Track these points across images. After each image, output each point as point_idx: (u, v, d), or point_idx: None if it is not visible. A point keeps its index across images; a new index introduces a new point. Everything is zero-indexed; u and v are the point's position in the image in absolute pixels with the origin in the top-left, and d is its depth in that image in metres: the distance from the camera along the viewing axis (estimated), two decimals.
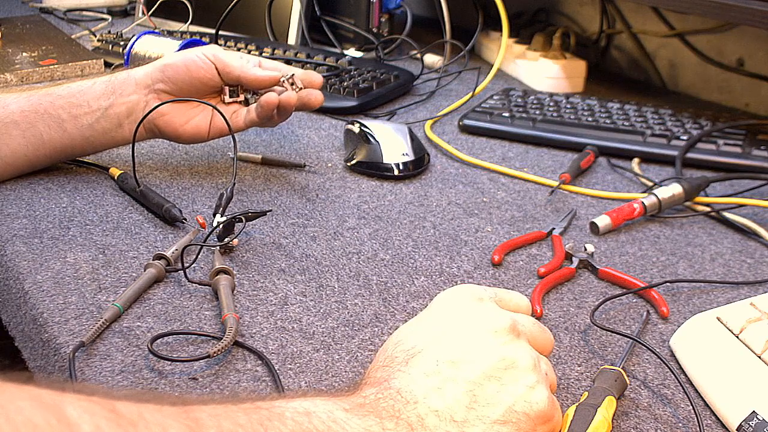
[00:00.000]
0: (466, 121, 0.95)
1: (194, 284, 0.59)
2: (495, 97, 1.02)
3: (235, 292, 0.59)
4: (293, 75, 0.77)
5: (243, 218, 0.64)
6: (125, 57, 0.95)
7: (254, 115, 0.75)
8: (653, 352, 0.53)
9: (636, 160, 0.87)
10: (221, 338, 0.51)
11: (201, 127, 0.75)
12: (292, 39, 1.22)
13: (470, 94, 1.02)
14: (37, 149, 0.72)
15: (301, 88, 0.77)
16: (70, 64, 1.08)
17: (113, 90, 0.73)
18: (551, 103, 0.99)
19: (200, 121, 0.75)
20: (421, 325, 0.45)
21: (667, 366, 0.51)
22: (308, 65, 1.06)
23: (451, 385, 0.41)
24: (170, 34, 1.17)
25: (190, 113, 0.75)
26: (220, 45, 1.07)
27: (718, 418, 0.48)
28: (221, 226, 0.64)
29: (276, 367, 0.51)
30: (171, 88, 0.73)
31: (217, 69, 0.74)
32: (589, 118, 0.93)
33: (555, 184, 0.79)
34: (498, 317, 0.44)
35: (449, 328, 0.44)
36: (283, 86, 0.76)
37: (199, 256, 0.62)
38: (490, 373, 0.42)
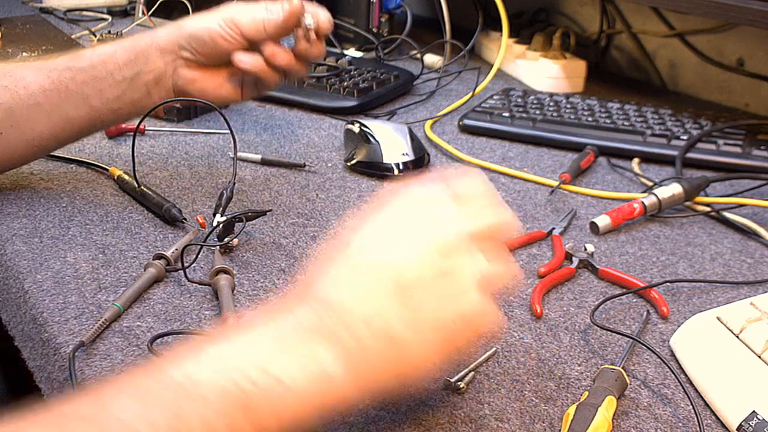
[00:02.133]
0: (466, 121, 0.95)
1: (194, 284, 0.59)
2: (495, 97, 1.02)
3: (235, 292, 0.59)
4: (310, 27, 0.72)
5: (243, 218, 0.64)
6: None
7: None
8: (653, 352, 0.53)
9: (636, 160, 0.87)
10: None
11: (234, 89, 0.74)
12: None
13: (470, 94, 1.02)
14: (64, 129, 0.70)
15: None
16: None
17: (136, 58, 0.70)
18: (551, 103, 0.99)
19: (232, 82, 0.74)
20: (366, 225, 0.44)
21: (667, 366, 0.51)
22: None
23: (383, 293, 0.41)
24: None
25: (220, 76, 0.73)
26: None
27: (718, 418, 0.48)
28: (221, 225, 0.64)
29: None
30: (196, 57, 0.71)
31: (242, 35, 0.70)
32: (589, 118, 0.93)
33: (555, 183, 0.79)
34: (450, 225, 0.43)
35: (397, 233, 0.43)
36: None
37: (199, 256, 0.62)
38: (427, 281, 0.41)
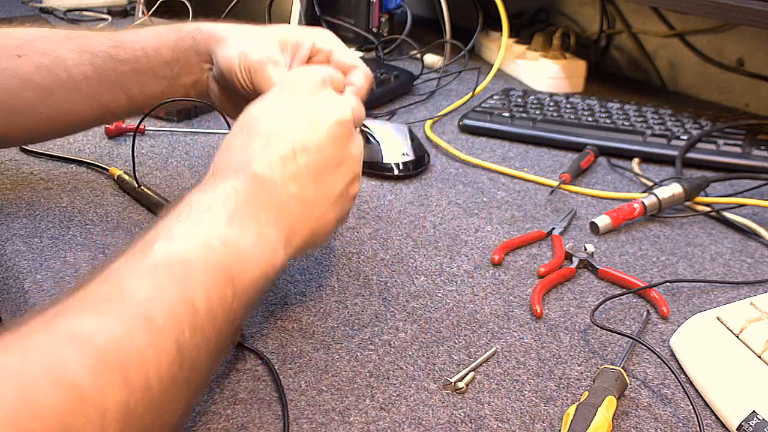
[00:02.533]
0: (466, 121, 0.95)
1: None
2: (495, 97, 1.02)
3: None
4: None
5: None
6: None
7: None
8: (653, 352, 0.53)
9: (636, 160, 0.87)
10: None
11: None
12: None
13: (470, 94, 1.02)
14: (103, 113, 0.68)
15: None
16: None
17: (178, 59, 0.67)
18: (551, 103, 0.99)
19: None
20: (275, 108, 0.51)
21: (667, 366, 0.51)
22: None
23: (305, 171, 0.49)
24: None
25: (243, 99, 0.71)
26: None
27: (718, 418, 0.48)
28: None
29: (276, 367, 0.51)
30: (220, 80, 0.68)
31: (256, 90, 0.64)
32: (589, 118, 0.93)
33: (555, 183, 0.79)
34: (340, 106, 0.52)
35: (301, 114, 0.50)
36: None
37: None
38: (333, 162, 0.50)
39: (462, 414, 0.48)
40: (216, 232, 0.44)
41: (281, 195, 0.48)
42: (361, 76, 0.63)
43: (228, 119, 0.73)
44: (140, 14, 1.34)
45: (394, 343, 0.54)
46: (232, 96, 0.67)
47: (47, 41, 0.66)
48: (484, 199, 0.77)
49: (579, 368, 0.52)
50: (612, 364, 0.51)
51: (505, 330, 0.56)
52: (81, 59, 0.66)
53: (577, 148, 0.89)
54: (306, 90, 0.53)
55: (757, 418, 0.45)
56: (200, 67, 0.68)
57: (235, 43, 0.64)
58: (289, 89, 0.53)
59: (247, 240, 0.45)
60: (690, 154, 0.86)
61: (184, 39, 0.68)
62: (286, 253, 0.48)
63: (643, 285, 0.61)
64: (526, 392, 0.50)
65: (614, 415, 0.47)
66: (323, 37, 0.64)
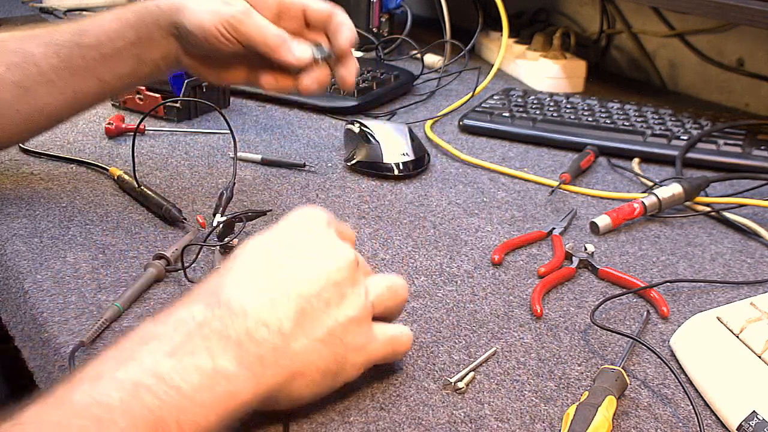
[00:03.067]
0: (466, 121, 0.95)
1: (194, 284, 0.59)
2: (495, 97, 1.02)
3: None
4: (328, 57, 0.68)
5: (243, 218, 0.64)
6: None
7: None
8: (653, 352, 0.53)
9: (636, 160, 0.87)
10: None
11: (240, 73, 0.71)
12: None
13: (470, 94, 1.02)
14: (78, 101, 0.69)
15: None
16: None
17: (141, 38, 0.68)
18: (551, 103, 0.99)
19: (238, 68, 0.71)
20: (271, 245, 0.47)
21: (667, 366, 0.51)
22: None
23: (285, 305, 0.43)
24: None
25: (223, 64, 0.70)
26: None
27: (718, 418, 0.48)
28: (221, 226, 0.64)
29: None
30: (194, 51, 0.68)
31: (240, 41, 0.65)
32: (589, 118, 0.93)
33: (555, 183, 0.79)
34: (344, 248, 0.47)
35: (299, 255, 0.46)
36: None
37: (199, 256, 0.62)
38: (322, 294, 0.44)
39: (462, 414, 0.47)
40: (151, 367, 0.38)
41: (249, 324, 0.41)
42: (345, 28, 0.66)
43: (228, 120, 0.73)
44: None
45: None
46: (208, 60, 0.69)
47: (14, 40, 0.67)
48: (484, 199, 0.77)
49: (579, 368, 0.52)
50: (612, 364, 0.51)
51: (505, 330, 0.56)
52: (48, 52, 0.67)
53: (577, 148, 0.89)
54: (310, 229, 0.48)
55: (757, 418, 0.45)
56: (166, 41, 0.68)
57: (198, 6, 0.65)
58: (292, 227, 0.48)
59: (192, 375, 0.38)
60: (690, 154, 0.86)
61: (144, 16, 0.68)
62: (255, 392, 0.41)
63: (643, 285, 0.61)
64: (526, 392, 0.50)
65: (614, 415, 0.47)
66: None
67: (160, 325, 0.41)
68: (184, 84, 0.91)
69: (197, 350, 0.39)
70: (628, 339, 0.55)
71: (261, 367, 0.41)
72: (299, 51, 0.66)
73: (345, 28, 0.67)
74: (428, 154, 0.85)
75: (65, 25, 0.69)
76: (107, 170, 0.76)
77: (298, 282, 0.44)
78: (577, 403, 0.46)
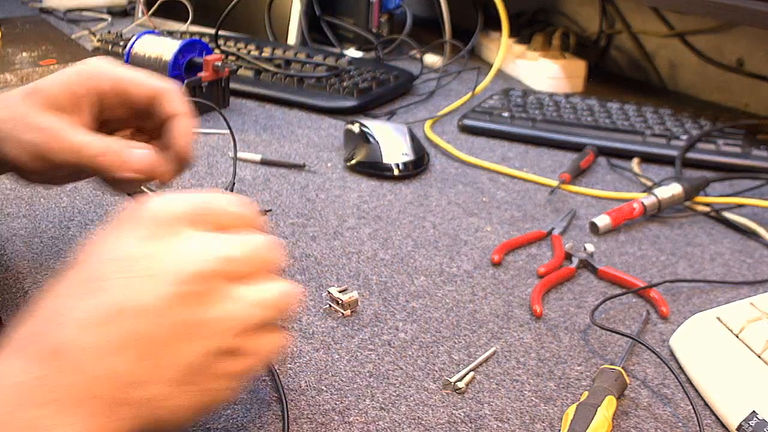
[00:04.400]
0: (466, 121, 0.95)
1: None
2: (495, 97, 1.02)
3: None
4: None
5: None
6: (125, 57, 0.95)
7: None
8: (653, 352, 0.53)
9: (636, 160, 0.87)
10: None
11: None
12: (292, 39, 1.22)
13: (470, 94, 1.02)
14: None
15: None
16: (69, 64, 1.08)
17: None
18: (551, 103, 0.99)
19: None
20: (108, 251, 0.38)
21: (667, 366, 0.51)
22: (308, 65, 1.06)
23: (130, 339, 0.35)
24: (170, 34, 1.17)
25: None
26: (220, 45, 1.07)
27: (718, 418, 0.48)
28: None
29: (276, 367, 0.51)
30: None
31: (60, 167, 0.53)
32: (589, 118, 0.93)
33: (555, 183, 0.79)
34: (201, 254, 0.37)
35: (138, 262, 0.36)
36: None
37: None
38: (164, 328, 0.35)
39: (462, 414, 0.48)
40: None
41: (84, 374, 0.34)
42: (181, 122, 0.53)
43: (228, 120, 0.73)
44: (140, 14, 1.34)
45: (394, 343, 0.54)
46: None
47: None
48: (484, 199, 0.77)
49: (579, 368, 0.53)
50: (612, 364, 0.51)
51: (505, 330, 0.56)
52: None
53: (577, 148, 0.89)
54: (157, 226, 0.38)
55: (757, 418, 0.45)
56: None
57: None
58: (135, 224, 0.38)
59: None
60: (690, 154, 0.86)
61: None
62: None
63: (642, 285, 0.61)
64: (526, 392, 0.50)
65: (614, 414, 0.47)
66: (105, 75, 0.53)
67: None
68: (184, 84, 0.91)
69: (30, 422, 0.33)
70: (628, 339, 0.55)
71: (111, 416, 0.34)
72: (138, 160, 0.53)
73: (181, 122, 0.55)
74: (428, 154, 0.85)
75: None
76: None
77: (135, 317, 0.35)
78: (577, 403, 0.46)
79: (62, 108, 0.52)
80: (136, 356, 0.35)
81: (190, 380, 0.36)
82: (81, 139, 0.51)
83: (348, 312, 0.56)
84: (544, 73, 1.13)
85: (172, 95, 0.55)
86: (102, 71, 0.53)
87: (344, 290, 0.57)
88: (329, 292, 0.57)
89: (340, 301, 0.57)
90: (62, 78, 0.53)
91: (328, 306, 0.57)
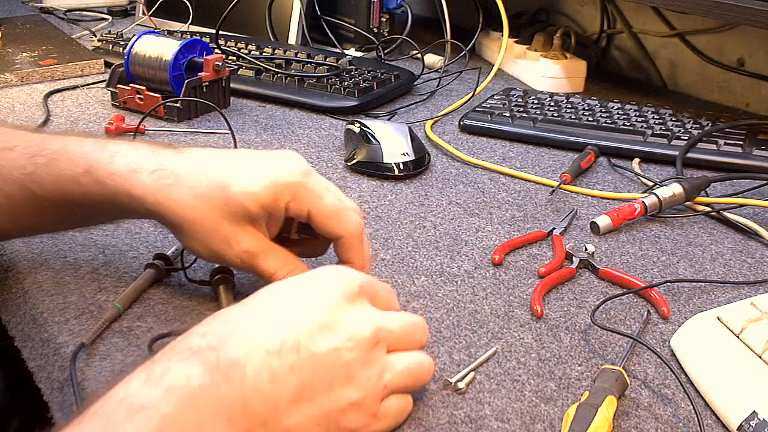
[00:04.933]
0: (467, 121, 0.95)
1: (194, 284, 0.59)
2: (495, 97, 1.02)
3: (235, 292, 0.59)
4: None
5: None
6: (125, 57, 0.95)
7: None
8: (654, 352, 0.53)
9: (636, 160, 0.87)
10: None
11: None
12: (292, 39, 1.22)
13: (471, 94, 1.02)
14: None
15: None
16: (70, 64, 1.08)
17: (105, 213, 0.57)
18: (552, 103, 0.99)
19: None
20: (288, 298, 0.44)
21: (668, 366, 0.51)
22: (308, 65, 1.06)
23: (287, 372, 0.40)
24: (170, 34, 1.17)
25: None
26: (220, 45, 1.07)
27: (718, 418, 0.48)
28: None
29: None
30: None
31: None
32: (590, 118, 0.93)
33: (555, 183, 0.79)
34: (362, 324, 0.43)
35: (314, 318, 0.42)
36: None
37: None
38: (327, 374, 0.41)
39: (462, 414, 0.47)
40: None
41: (246, 393, 0.39)
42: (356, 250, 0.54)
43: (228, 120, 0.73)
44: (140, 14, 1.34)
45: None
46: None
47: None
48: (485, 199, 0.77)
49: (579, 368, 0.52)
50: (612, 364, 0.51)
51: (505, 330, 0.56)
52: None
53: (578, 148, 0.89)
54: (337, 295, 0.44)
55: (757, 418, 0.45)
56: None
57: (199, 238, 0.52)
58: (319, 287, 0.44)
59: None
60: (690, 154, 0.86)
61: (115, 198, 0.53)
62: None
63: (643, 285, 0.61)
64: (526, 392, 0.50)
65: (615, 415, 0.47)
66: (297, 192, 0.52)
67: (150, 387, 0.38)
68: (185, 84, 0.91)
69: (187, 427, 0.37)
70: (629, 339, 0.55)
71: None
72: None
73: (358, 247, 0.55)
74: (428, 154, 0.85)
75: (22, 158, 0.55)
76: None
77: (306, 356, 0.40)
78: (578, 403, 0.46)
79: (254, 222, 0.52)
80: (296, 388, 0.40)
81: (323, 423, 0.41)
82: (258, 252, 0.52)
83: None
84: (544, 73, 1.13)
85: (354, 244, 0.54)
86: (302, 195, 0.52)
87: None
88: None
89: None
90: (263, 192, 0.51)
91: None
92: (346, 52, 1.23)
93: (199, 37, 1.02)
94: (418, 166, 0.82)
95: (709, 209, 0.76)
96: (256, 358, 0.39)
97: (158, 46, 0.93)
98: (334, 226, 0.53)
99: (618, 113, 0.95)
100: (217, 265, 0.59)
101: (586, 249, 0.67)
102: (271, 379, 0.39)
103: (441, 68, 1.15)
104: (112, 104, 0.96)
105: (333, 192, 0.54)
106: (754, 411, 0.46)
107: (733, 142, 0.87)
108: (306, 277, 0.46)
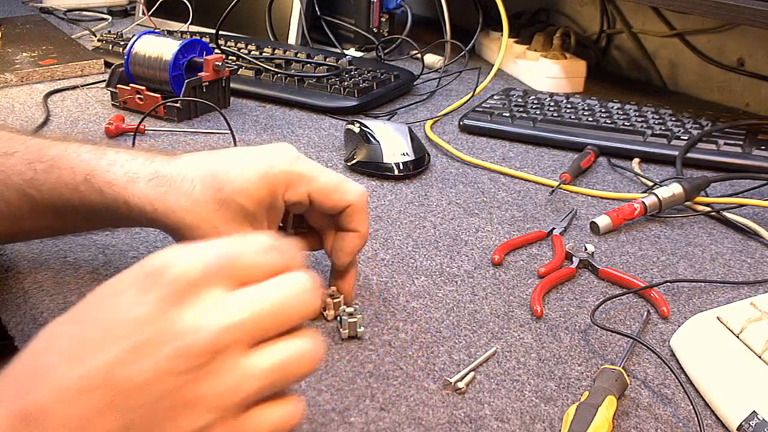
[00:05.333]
0: (467, 121, 0.95)
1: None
2: (495, 97, 1.02)
3: None
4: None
5: None
6: (125, 57, 0.95)
7: None
8: (654, 352, 0.53)
9: (636, 160, 0.87)
10: None
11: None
12: (292, 39, 1.22)
13: (470, 94, 1.02)
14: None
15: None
16: (70, 64, 1.08)
17: (105, 221, 0.56)
18: (551, 103, 0.99)
19: None
20: (112, 310, 0.34)
21: (668, 366, 0.51)
22: (308, 65, 1.06)
23: (98, 416, 0.32)
24: (170, 34, 1.17)
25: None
26: (220, 45, 1.07)
27: (718, 418, 0.48)
28: None
29: None
30: None
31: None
32: (590, 118, 0.93)
33: (555, 183, 0.79)
34: (196, 331, 0.33)
35: (137, 331, 0.33)
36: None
37: None
38: (153, 406, 0.32)
39: (462, 414, 0.47)
40: None
41: None
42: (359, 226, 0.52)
43: (228, 120, 0.73)
44: (140, 14, 1.34)
45: (394, 343, 0.54)
46: None
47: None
48: (484, 199, 0.77)
49: (579, 368, 0.52)
50: (612, 364, 0.51)
51: (505, 330, 0.56)
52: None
53: (578, 148, 0.89)
54: (170, 287, 0.33)
55: (757, 418, 0.45)
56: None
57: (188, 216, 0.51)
58: (146, 283, 0.34)
59: None
60: (690, 154, 0.86)
61: (110, 207, 0.53)
62: None
63: (643, 285, 0.61)
64: (526, 392, 0.50)
65: (614, 415, 0.47)
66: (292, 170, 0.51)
67: None
68: (184, 84, 0.91)
69: None
70: (629, 339, 0.55)
71: None
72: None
73: (352, 248, 0.54)
74: (428, 154, 0.85)
75: (22, 164, 0.54)
76: None
77: (125, 389, 0.32)
78: (578, 403, 0.46)
79: (253, 219, 0.51)
80: (121, 427, 0.32)
81: None
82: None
83: (331, 314, 0.56)
84: (544, 73, 1.13)
85: (360, 210, 0.53)
86: (297, 180, 0.51)
87: (332, 294, 0.57)
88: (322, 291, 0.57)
89: (323, 301, 0.56)
90: (256, 185, 0.50)
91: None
92: (345, 52, 1.23)
93: (199, 37, 1.02)
94: (417, 166, 0.82)
95: (708, 209, 0.76)
96: (62, 407, 0.32)
97: (158, 46, 0.93)
98: (338, 198, 0.52)
99: (618, 113, 0.95)
100: None
101: (585, 249, 0.67)
102: (86, 425, 0.32)
103: (441, 68, 1.15)
104: (112, 104, 0.96)
105: (327, 170, 0.53)
106: (754, 411, 0.46)
107: (732, 142, 0.87)
108: (123, 278, 0.35)
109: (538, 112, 0.95)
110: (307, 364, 0.36)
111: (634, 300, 0.61)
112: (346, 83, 1.00)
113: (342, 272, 0.57)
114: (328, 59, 1.08)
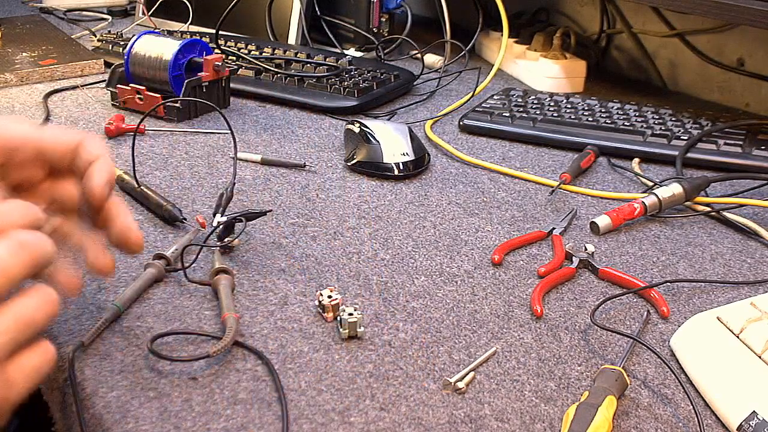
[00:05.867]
0: (467, 121, 0.95)
1: (194, 284, 0.59)
2: (495, 97, 1.02)
3: (235, 292, 0.59)
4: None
5: (243, 218, 0.64)
6: (125, 57, 0.95)
7: None
8: (653, 352, 0.53)
9: (636, 160, 0.87)
10: (221, 338, 0.51)
11: None
12: (292, 39, 1.22)
13: (470, 94, 1.02)
14: None
15: None
16: (70, 64, 1.08)
17: None
18: (551, 103, 0.99)
19: None
20: None
21: (668, 366, 0.51)
22: (308, 65, 1.06)
23: None
24: (170, 34, 1.17)
25: None
26: (220, 45, 1.07)
27: (718, 418, 0.48)
28: (221, 226, 0.64)
29: (276, 367, 0.51)
30: None
31: None
32: (590, 118, 0.93)
33: (555, 183, 0.79)
34: None
35: None
36: None
37: (199, 256, 0.62)
38: None
39: (462, 414, 0.47)
40: None
41: None
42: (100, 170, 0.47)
43: (228, 120, 0.73)
44: (140, 14, 1.35)
45: (394, 343, 0.54)
46: None
47: None
48: (484, 199, 0.77)
49: (579, 368, 0.52)
50: (612, 364, 0.51)
51: (505, 330, 0.56)
52: None
53: (578, 148, 0.89)
54: None
55: (757, 418, 0.45)
56: None
57: None
58: None
59: None
60: (690, 154, 0.86)
61: None
62: None
63: (643, 285, 0.61)
64: (526, 392, 0.50)
65: (614, 415, 0.47)
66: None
67: None
68: (184, 84, 0.91)
69: None
70: (629, 339, 0.55)
71: None
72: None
73: (100, 170, 0.49)
74: (428, 154, 0.85)
75: None
76: None
77: None
78: (578, 403, 0.46)
79: None
80: None
81: None
82: None
83: (330, 316, 0.56)
84: (544, 73, 1.13)
85: (90, 142, 0.49)
86: (8, 129, 0.47)
87: (331, 295, 0.57)
88: (320, 293, 0.57)
89: (321, 303, 0.56)
90: None
91: (316, 309, 0.57)
92: (345, 52, 1.23)
93: (198, 37, 1.02)
94: (417, 166, 0.82)
95: (708, 209, 0.76)
96: None
97: (158, 46, 0.93)
98: (61, 139, 0.48)
99: (618, 113, 0.95)
100: (217, 265, 0.59)
101: (585, 249, 0.67)
102: None
103: (441, 68, 1.15)
104: (112, 104, 0.96)
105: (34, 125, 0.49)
106: (754, 411, 0.46)
107: (732, 142, 0.87)
108: None
109: (538, 112, 0.95)
110: (45, 310, 0.37)
111: (634, 300, 0.61)
112: (346, 83, 1.00)
113: (104, 211, 0.50)
114: (328, 59, 1.08)
